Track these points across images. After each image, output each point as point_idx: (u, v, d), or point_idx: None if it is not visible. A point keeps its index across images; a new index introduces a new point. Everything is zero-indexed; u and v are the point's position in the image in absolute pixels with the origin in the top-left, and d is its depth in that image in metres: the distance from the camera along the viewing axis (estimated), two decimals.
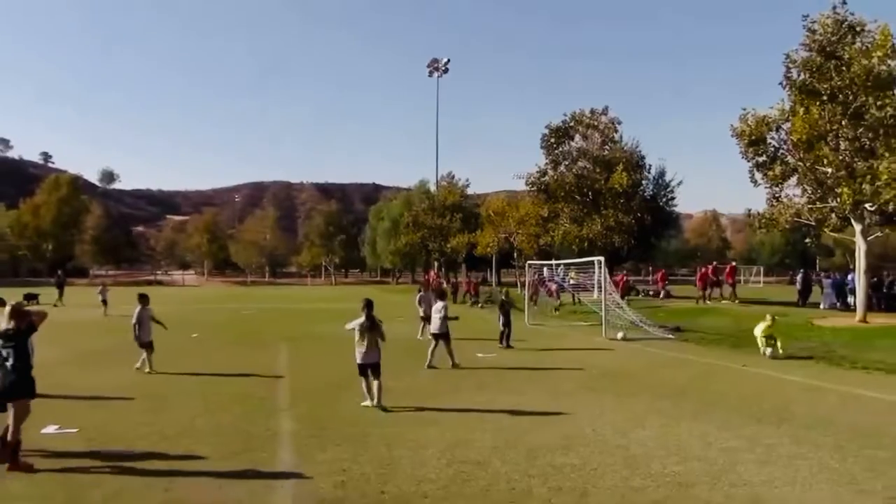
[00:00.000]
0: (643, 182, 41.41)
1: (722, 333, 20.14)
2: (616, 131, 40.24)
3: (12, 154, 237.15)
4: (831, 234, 24.71)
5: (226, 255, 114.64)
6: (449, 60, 78.32)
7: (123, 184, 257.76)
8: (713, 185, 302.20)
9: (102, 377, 12.29)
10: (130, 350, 12.97)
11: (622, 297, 34.23)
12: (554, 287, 31.57)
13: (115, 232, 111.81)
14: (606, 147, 40.17)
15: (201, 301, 36.06)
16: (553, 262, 33.47)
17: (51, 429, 7.98)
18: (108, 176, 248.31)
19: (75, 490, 5.92)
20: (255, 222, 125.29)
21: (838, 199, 20.68)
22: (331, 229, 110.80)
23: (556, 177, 39.59)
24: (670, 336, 19.88)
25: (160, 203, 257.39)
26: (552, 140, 40.00)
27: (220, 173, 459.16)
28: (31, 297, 37.44)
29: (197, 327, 22.78)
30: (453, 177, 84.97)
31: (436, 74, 78.80)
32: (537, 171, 40.33)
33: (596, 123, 39.77)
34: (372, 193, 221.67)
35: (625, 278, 36.61)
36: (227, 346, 17.54)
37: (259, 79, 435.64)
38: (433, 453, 7.15)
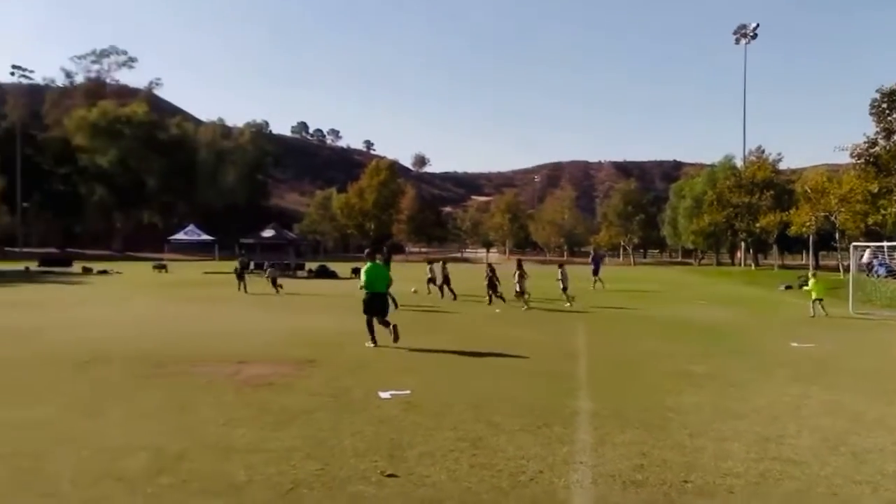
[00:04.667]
0: None
1: None
2: None
3: (341, 143, 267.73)
4: None
5: (526, 234, 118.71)
6: (758, 25, 72.61)
7: (433, 167, 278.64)
8: None
9: (412, 344, 13.36)
10: (438, 320, 13.95)
11: None
12: (883, 272, 27.89)
13: (427, 212, 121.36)
14: None
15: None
16: (885, 243, 29.54)
17: (386, 394, 8.77)
18: (420, 160, 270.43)
19: (395, 444, 6.54)
20: (553, 202, 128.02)
21: None
22: (629, 208, 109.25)
23: (889, 147, 34.82)
24: None
25: (465, 185, 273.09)
26: (884, 105, 35.16)
27: (520, 155, 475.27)
28: (357, 272, 42.17)
29: (501, 304, 23.78)
30: (763, 151, 78.87)
31: (743, 41, 73.52)
32: (865, 142, 35.87)
33: None
34: (672, 171, 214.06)
35: None
36: (526, 322, 18.07)
37: (554, 63, 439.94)
38: (740, 447, 6.71)
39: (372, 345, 12.92)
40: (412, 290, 25.88)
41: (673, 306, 23.99)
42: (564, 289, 23.61)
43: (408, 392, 8.90)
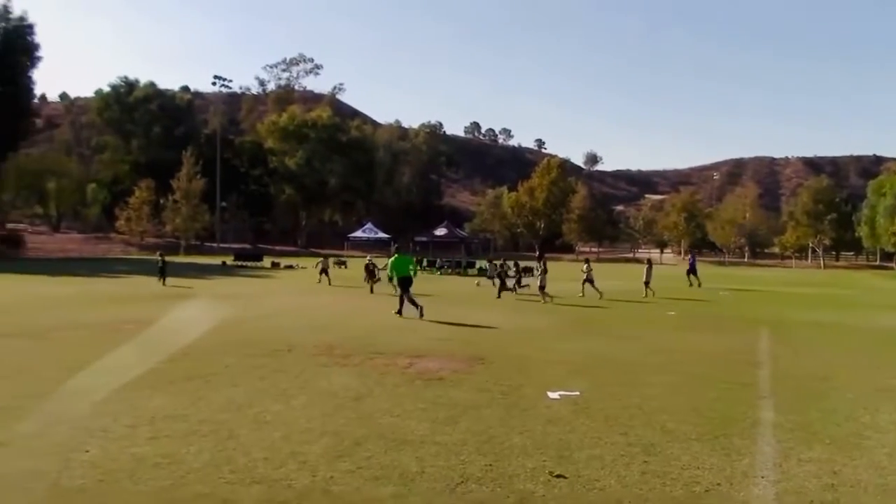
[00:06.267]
0: None
1: None
2: None
3: (513, 142, 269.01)
4: None
5: (703, 234, 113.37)
6: None
7: (605, 165, 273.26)
8: None
9: (579, 345, 13.21)
10: (600, 321, 13.68)
11: None
12: None
13: (598, 211, 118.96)
14: None
15: (669, 279, 36.26)
16: None
17: (555, 394, 8.74)
18: (592, 158, 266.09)
19: (563, 445, 6.49)
20: (733, 200, 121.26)
21: None
22: (820, 207, 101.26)
23: None
24: None
25: (639, 183, 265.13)
26: None
27: (698, 152, 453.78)
28: (527, 271, 42.30)
29: (675, 306, 22.98)
30: None
31: None
32: None
33: None
34: (872, 166, 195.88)
35: None
36: (703, 327, 17.35)
37: (734, 50, 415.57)
38: None
39: (398, 314, 17.09)
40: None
41: (870, 313, 22.03)
42: (646, 282, 26.53)
43: (577, 393, 8.80)
